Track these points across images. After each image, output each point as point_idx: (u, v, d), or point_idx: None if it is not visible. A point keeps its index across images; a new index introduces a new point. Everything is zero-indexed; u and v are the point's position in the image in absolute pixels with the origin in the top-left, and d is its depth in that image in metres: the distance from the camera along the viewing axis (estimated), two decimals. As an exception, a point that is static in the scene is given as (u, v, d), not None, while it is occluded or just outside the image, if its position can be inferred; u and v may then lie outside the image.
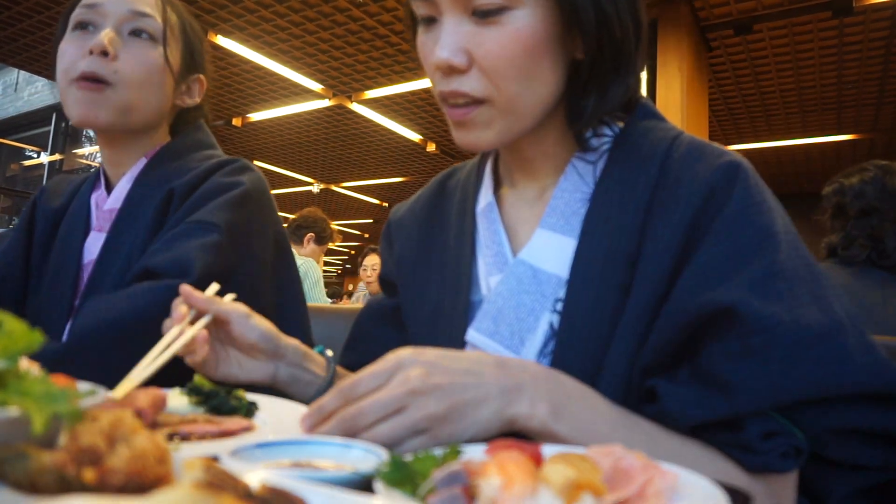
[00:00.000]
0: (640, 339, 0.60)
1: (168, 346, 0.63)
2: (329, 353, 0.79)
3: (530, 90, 0.65)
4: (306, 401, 0.69)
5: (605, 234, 0.65)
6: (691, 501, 0.34)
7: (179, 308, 0.68)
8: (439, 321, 0.77)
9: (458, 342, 0.73)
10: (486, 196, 0.79)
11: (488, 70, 0.63)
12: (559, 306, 0.66)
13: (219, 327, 0.71)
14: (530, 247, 0.70)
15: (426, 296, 0.80)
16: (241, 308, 0.71)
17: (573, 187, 0.70)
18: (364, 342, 0.91)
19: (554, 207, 0.70)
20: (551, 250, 0.69)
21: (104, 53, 0.93)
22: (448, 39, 0.63)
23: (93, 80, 0.93)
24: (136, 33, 0.97)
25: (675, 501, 0.34)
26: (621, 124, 0.74)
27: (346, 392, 0.51)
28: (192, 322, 0.69)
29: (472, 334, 0.71)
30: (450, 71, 0.64)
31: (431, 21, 0.66)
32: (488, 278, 0.73)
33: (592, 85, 0.68)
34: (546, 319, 0.67)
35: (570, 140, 0.74)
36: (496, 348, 0.68)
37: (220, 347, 0.72)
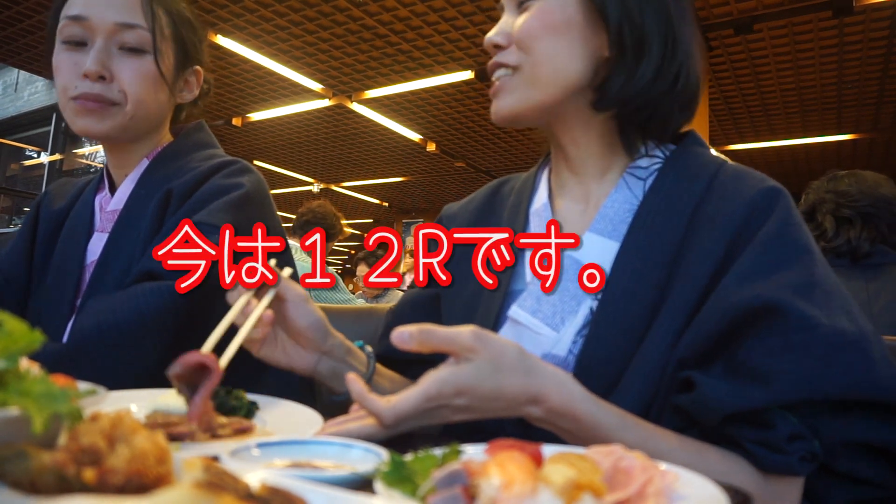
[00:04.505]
0: (677, 333, 0.64)
1: (239, 314, 0.65)
2: (368, 348, 0.81)
3: (551, 61, 0.74)
4: (343, 395, 0.72)
5: (647, 238, 0.70)
6: (691, 501, 0.34)
7: None
8: (479, 303, 0.81)
9: (491, 321, 0.76)
10: (540, 199, 0.85)
11: (519, 42, 0.75)
12: (600, 295, 0.70)
13: (273, 305, 0.70)
14: (578, 247, 0.75)
15: (469, 281, 0.83)
16: (301, 290, 0.72)
17: (623, 198, 0.76)
18: None
19: (604, 215, 0.76)
20: (597, 250, 0.74)
21: (101, 77, 0.93)
22: (498, 27, 0.78)
23: (96, 101, 0.94)
24: (126, 49, 0.96)
25: (675, 501, 0.34)
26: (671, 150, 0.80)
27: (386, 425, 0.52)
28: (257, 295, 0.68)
29: (515, 310, 0.75)
30: (494, 49, 0.77)
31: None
32: None
33: (616, 74, 0.74)
34: (587, 305, 0.71)
35: (620, 151, 0.80)
36: (537, 325, 0.72)
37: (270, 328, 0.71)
